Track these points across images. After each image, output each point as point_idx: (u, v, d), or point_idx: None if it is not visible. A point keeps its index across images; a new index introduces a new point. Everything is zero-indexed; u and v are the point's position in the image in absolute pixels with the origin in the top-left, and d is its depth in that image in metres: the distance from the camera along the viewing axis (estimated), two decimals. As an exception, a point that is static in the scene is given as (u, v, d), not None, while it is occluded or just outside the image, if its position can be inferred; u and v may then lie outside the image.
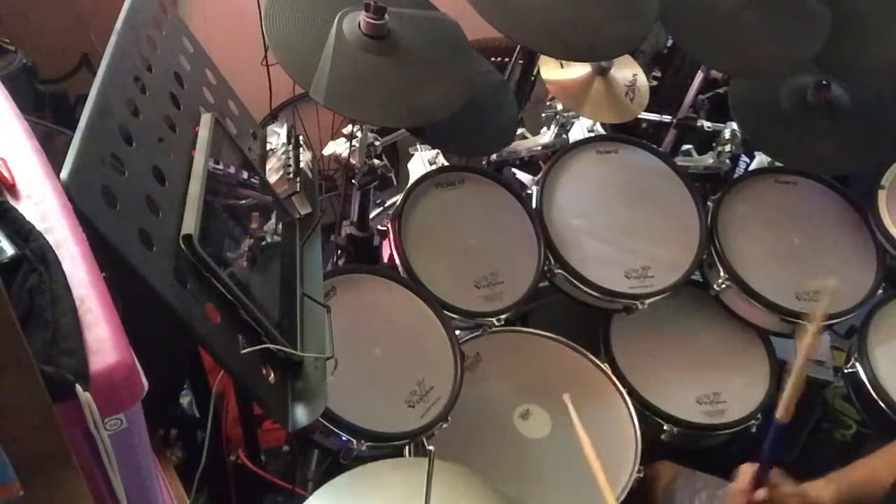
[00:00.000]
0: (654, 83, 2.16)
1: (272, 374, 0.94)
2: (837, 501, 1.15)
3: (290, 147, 1.27)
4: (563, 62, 1.67)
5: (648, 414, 1.52)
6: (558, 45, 1.35)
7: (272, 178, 1.22)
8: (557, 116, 1.77)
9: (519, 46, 1.71)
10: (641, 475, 1.39)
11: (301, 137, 1.32)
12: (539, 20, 1.33)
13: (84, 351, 0.60)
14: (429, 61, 1.29)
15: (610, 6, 1.40)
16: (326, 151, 1.53)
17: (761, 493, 1.13)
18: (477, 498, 1.00)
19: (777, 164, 1.70)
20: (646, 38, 1.46)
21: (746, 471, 1.17)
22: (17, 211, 0.67)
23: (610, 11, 1.39)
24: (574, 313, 1.65)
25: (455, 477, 1.03)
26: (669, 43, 2.21)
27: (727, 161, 1.79)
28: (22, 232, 0.65)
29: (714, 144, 1.79)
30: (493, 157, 1.75)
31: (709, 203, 1.64)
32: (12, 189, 0.71)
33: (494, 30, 1.27)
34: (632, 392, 1.52)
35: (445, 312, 1.41)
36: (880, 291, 1.57)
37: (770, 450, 1.15)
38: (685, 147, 1.86)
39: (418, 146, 1.72)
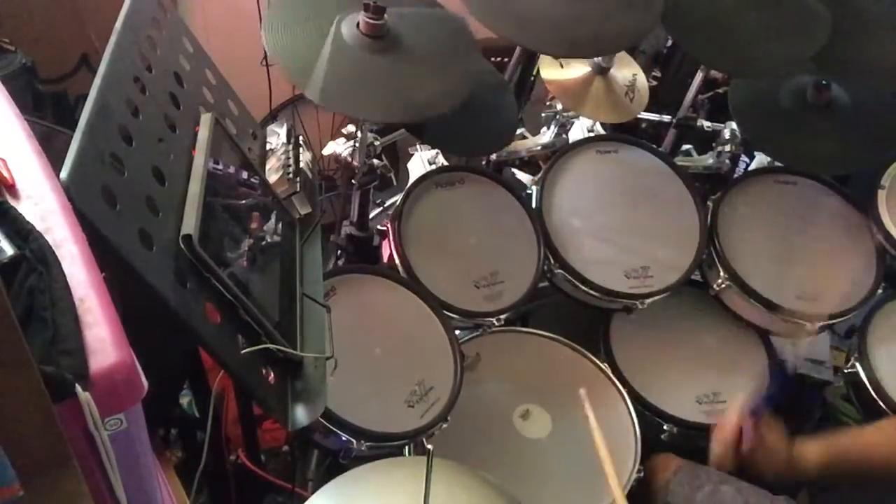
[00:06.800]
0: (654, 83, 2.15)
1: (272, 374, 0.94)
2: (822, 465, 1.16)
3: (290, 147, 1.27)
4: (563, 62, 1.67)
5: (648, 414, 1.52)
6: (563, 43, 1.34)
7: (272, 178, 1.22)
8: (557, 116, 1.77)
9: (519, 47, 1.71)
10: (642, 475, 1.39)
11: (301, 137, 1.32)
12: (539, 22, 1.32)
13: (84, 351, 0.60)
14: (429, 57, 1.28)
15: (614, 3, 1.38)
16: (326, 151, 1.52)
17: (746, 446, 1.16)
18: (477, 495, 1.00)
19: (777, 164, 1.70)
20: (653, 30, 1.44)
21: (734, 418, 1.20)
22: (16, 211, 0.67)
23: (611, 9, 1.37)
24: (574, 313, 1.65)
25: (455, 475, 1.02)
26: (669, 43, 2.21)
27: (727, 161, 1.79)
28: (22, 232, 0.65)
29: (714, 144, 1.79)
30: (493, 157, 1.75)
31: (709, 203, 1.63)
32: (12, 189, 0.71)
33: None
34: (632, 392, 1.52)
35: (445, 312, 1.41)
36: (880, 291, 1.57)
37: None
38: (685, 147, 1.85)
39: (418, 146, 1.72)
